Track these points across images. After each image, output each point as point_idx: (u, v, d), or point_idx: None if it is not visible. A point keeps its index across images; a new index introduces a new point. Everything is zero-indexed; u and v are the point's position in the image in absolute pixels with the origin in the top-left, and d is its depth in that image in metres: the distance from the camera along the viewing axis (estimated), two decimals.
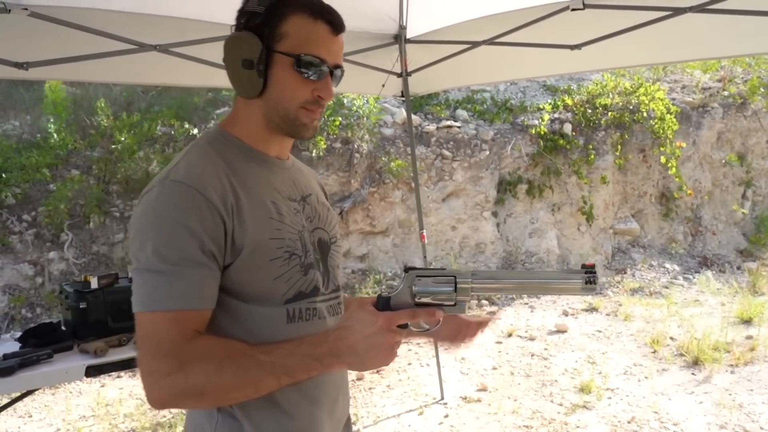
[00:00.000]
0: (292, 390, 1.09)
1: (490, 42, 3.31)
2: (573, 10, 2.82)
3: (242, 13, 1.14)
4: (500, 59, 3.53)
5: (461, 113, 7.84)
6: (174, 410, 4.12)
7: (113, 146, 6.06)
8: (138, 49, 2.64)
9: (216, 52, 3.16)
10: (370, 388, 4.44)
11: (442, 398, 4.18)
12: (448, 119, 7.63)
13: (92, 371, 2.57)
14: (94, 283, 2.84)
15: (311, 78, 1.12)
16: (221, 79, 3.27)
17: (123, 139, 5.95)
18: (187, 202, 1.02)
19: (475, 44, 3.40)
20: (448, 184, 7.23)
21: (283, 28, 1.10)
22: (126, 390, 4.54)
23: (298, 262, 1.15)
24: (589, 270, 1.01)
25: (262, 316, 1.11)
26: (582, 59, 3.19)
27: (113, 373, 4.16)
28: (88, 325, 2.77)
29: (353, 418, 3.90)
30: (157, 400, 1.00)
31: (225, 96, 7.07)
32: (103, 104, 6.21)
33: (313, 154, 6.43)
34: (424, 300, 1.03)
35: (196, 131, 6.24)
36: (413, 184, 6.90)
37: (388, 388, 4.42)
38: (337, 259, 1.30)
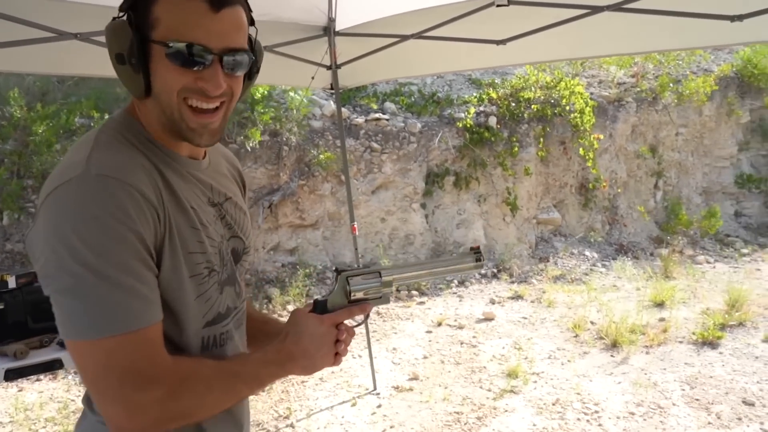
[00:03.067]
0: (223, 416, 1.07)
1: (419, 36, 3.36)
2: (498, 6, 2.91)
3: None
4: (429, 53, 3.58)
5: (389, 106, 7.90)
6: None
7: (30, 138, 5.76)
8: (57, 37, 2.52)
9: None
10: (302, 382, 4.44)
11: (375, 389, 4.23)
12: (376, 112, 7.68)
13: (12, 375, 2.47)
14: (11, 283, 2.71)
15: (194, 69, 0.95)
16: None
17: (40, 131, 5.66)
18: (125, 200, 0.89)
19: (403, 38, 3.44)
20: (377, 177, 7.28)
21: (155, 13, 0.95)
22: (46, 393, 4.34)
23: (217, 280, 1.08)
24: (476, 251, 1.26)
25: (177, 345, 1.02)
26: (507, 54, 3.28)
27: (32, 376, 3.97)
28: (6, 327, 2.65)
29: (287, 412, 3.90)
30: (132, 428, 0.90)
31: None
32: (16, 94, 5.89)
33: (249, 146, 6.31)
34: (357, 296, 1.14)
35: None
36: (343, 177, 6.92)
37: (320, 381, 4.43)
38: (245, 267, 1.24)
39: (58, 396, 4.29)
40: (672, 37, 2.97)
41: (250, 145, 6.31)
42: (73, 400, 4.22)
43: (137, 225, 0.89)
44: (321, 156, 6.77)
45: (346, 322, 1.16)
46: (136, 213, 0.89)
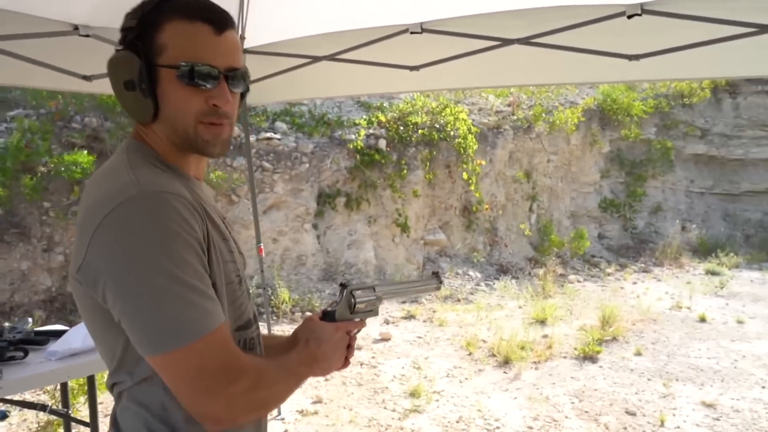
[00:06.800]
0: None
1: (331, 58, 3.36)
2: (412, 33, 3.00)
3: (121, 32, 1.05)
4: (341, 75, 3.58)
5: (280, 125, 7.81)
6: None
7: None
8: None
9: (37, 48, 2.80)
10: None
11: (279, 414, 4.09)
12: (267, 131, 7.56)
13: None
14: None
15: (202, 87, 1.01)
16: (41, 79, 2.93)
17: None
18: (184, 211, 0.94)
19: (315, 59, 3.42)
20: (268, 197, 7.15)
21: (160, 39, 1.00)
22: None
23: (245, 288, 1.14)
24: (437, 275, 1.48)
25: None
26: (420, 79, 3.35)
27: None
28: None
29: None
30: (229, 419, 0.96)
31: (17, 96, 6.29)
32: None
33: None
34: (359, 308, 1.27)
35: None
36: (233, 197, 6.73)
37: None
38: None
39: None
40: (575, 71, 3.17)
41: None
42: None
43: (197, 233, 0.95)
44: (212, 175, 6.54)
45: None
46: (194, 222, 0.95)
